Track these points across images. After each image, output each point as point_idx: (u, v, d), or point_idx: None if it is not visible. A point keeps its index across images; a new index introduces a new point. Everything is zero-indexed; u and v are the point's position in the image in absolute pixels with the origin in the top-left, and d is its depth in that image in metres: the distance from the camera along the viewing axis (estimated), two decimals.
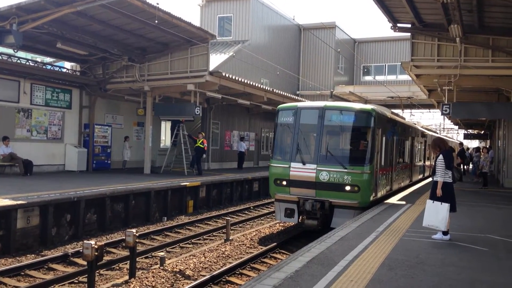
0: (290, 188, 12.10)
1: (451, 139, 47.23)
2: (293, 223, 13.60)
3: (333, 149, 12.02)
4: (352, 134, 12.27)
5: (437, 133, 34.06)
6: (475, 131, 43.43)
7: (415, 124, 25.50)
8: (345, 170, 11.48)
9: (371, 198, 11.99)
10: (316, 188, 11.71)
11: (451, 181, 8.33)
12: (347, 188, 11.50)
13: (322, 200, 11.72)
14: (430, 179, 20.93)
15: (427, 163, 24.93)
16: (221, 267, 9.60)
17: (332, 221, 11.66)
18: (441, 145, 8.51)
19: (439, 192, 8.15)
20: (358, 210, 11.60)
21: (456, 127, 47.37)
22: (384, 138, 13.29)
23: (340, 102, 14.94)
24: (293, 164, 11.99)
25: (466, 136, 43.35)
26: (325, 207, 11.74)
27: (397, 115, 17.39)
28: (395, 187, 15.51)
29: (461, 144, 29.55)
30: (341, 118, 12.00)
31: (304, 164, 11.81)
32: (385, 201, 13.54)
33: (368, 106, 12.57)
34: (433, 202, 8.18)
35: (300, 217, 12.39)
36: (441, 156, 8.30)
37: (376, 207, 12.07)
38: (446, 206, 8.06)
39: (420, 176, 22.71)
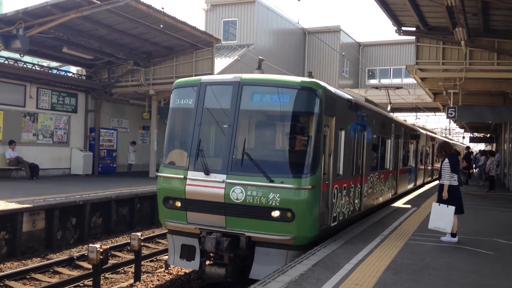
0: (188, 213, 7.69)
1: (455, 142, 46.98)
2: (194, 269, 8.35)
3: (253, 149, 7.82)
4: (284, 125, 7.83)
5: (435, 133, 32.33)
6: (481, 135, 43.23)
7: (405, 120, 20.60)
8: (271, 184, 7.18)
9: (317, 231, 7.57)
10: (226, 213, 7.41)
11: (457, 184, 8.41)
12: (275, 213, 7.22)
13: (235, 233, 7.39)
14: (423, 189, 20.09)
15: (422, 167, 21.15)
16: None
17: (251, 269, 7.46)
18: (446, 149, 8.66)
19: (445, 195, 8.24)
20: (294, 251, 7.33)
21: (462, 130, 47.13)
22: (343, 133, 8.71)
23: (267, 75, 8.61)
24: (190, 174, 7.62)
25: (472, 140, 43.13)
26: (239, 245, 7.40)
27: (376, 104, 12.70)
28: (368, 204, 10.93)
29: (467, 148, 29.42)
30: (266, 99, 7.63)
31: (207, 173, 7.50)
32: (391, 205, 13.33)
33: (311, 79, 7.85)
34: (439, 204, 8.22)
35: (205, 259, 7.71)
36: (446, 160, 8.42)
37: (381, 212, 11.89)
38: (452, 208, 8.15)
39: (411, 186, 18.00)
